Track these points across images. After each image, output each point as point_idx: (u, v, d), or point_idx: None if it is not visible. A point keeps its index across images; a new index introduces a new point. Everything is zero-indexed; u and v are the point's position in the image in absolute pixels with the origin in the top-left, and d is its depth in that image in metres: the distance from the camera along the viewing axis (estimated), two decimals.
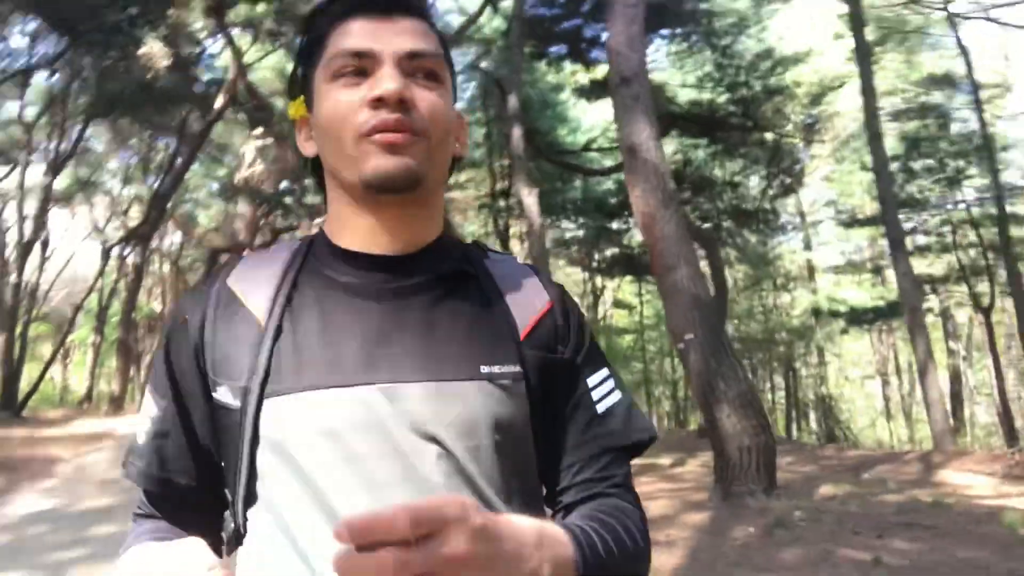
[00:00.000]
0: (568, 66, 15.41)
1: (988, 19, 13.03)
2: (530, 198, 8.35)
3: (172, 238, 28.13)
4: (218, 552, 0.62)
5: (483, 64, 15.64)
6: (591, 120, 18.60)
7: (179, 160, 21.06)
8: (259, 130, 19.91)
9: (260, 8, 16.35)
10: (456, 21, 16.25)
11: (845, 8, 11.58)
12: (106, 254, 23.07)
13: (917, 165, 14.07)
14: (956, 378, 19.92)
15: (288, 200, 20.83)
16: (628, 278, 23.32)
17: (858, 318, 15.11)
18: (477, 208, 22.77)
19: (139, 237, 21.07)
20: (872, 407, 24.55)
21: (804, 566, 4.40)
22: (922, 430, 22.90)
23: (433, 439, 0.74)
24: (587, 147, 17.55)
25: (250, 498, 0.77)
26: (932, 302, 18.18)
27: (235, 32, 16.96)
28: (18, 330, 19.44)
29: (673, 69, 14.62)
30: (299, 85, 0.87)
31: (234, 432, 0.76)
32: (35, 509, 6.72)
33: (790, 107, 14.09)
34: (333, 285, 0.81)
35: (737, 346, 21.49)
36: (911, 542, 4.94)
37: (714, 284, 14.61)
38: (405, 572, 0.48)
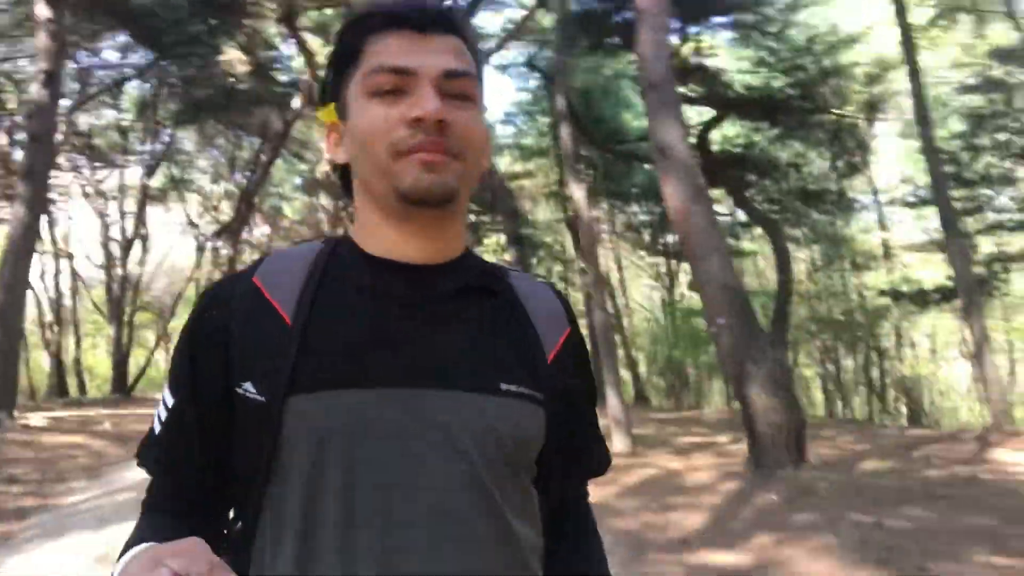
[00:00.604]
0: (626, 55, 15.66)
1: None
2: (579, 192, 8.85)
3: (260, 230, 29.71)
4: (216, 551, 0.63)
5: (539, 61, 16.08)
6: None
7: (263, 158, 22.31)
8: None
9: (328, 11, 17.23)
10: (515, 14, 16.68)
11: None
12: (201, 247, 24.48)
13: (985, 141, 13.77)
14: None
15: None
16: None
17: (925, 298, 14.94)
18: (545, 196, 23.26)
19: (230, 231, 22.45)
20: (957, 388, 23.92)
21: (811, 528, 4.85)
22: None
23: (453, 446, 0.75)
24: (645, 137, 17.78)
25: (267, 494, 0.77)
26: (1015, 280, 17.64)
27: (306, 36, 17.87)
28: (124, 319, 21.19)
29: (730, 56, 14.71)
30: (331, 92, 0.88)
31: (256, 427, 0.76)
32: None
33: (849, 87, 14.03)
34: (359, 287, 0.83)
35: (812, 327, 21.42)
36: (924, 510, 5.29)
37: (777, 266, 14.77)
38: None
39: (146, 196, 21.82)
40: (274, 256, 0.88)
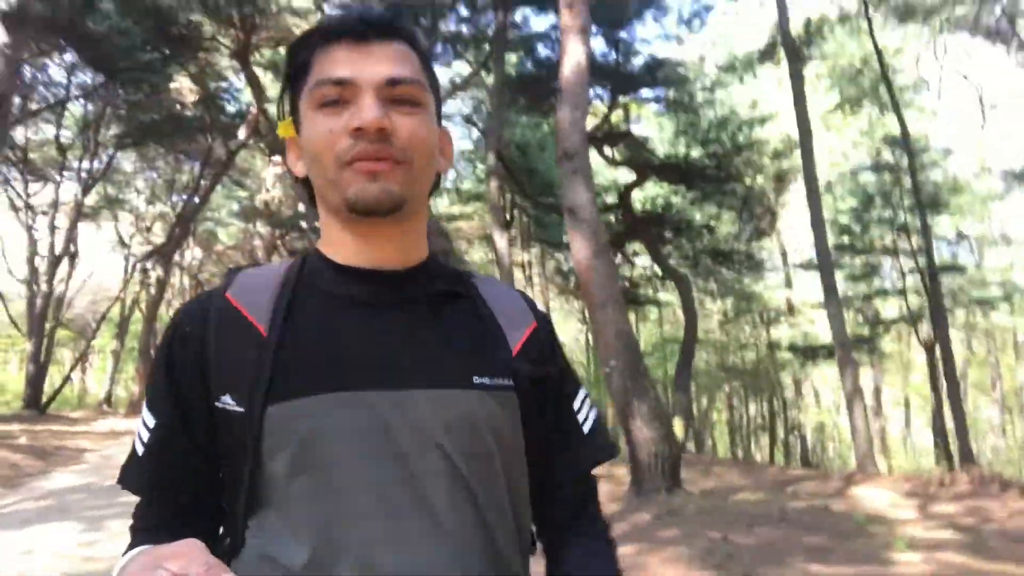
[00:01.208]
0: None
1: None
2: (501, 241, 9.75)
3: (193, 253, 29.46)
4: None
5: (479, 117, 17.17)
6: None
7: (204, 183, 22.43)
8: (278, 158, 21.41)
9: (282, 51, 17.82)
10: (464, 69, 17.68)
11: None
12: (132, 267, 24.13)
13: (874, 215, 15.48)
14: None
15: (303, 224, 21.74)
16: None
17: (815, 353, 16.41)
18: (480, 239, 24.18)
19: (162, 253, 22.38)
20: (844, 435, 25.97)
21: (670, 541, 5.69)
22: (894, 457, 23.97)
23: (435, 443, 0.77)
24: None
25: (253, 503, 0.78)
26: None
27: (258, 71, 18.33)
28: (44, 336, 20.79)
29: (654, 124, 16.05)
30: (287, 108, 0.89)
31: (237, 439, 0.77)
32: (71, 484, 8.10)
33: (759, 160, 15.56)
34: (330, 296, 0.84)
35: (723, 375, 22.87)
36: (771, 530, 6.20)
37: (685, 318, 15.94)
38: None
39: (79, 213, 21.59)
40: (247, 272, 0.89)
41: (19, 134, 19.61)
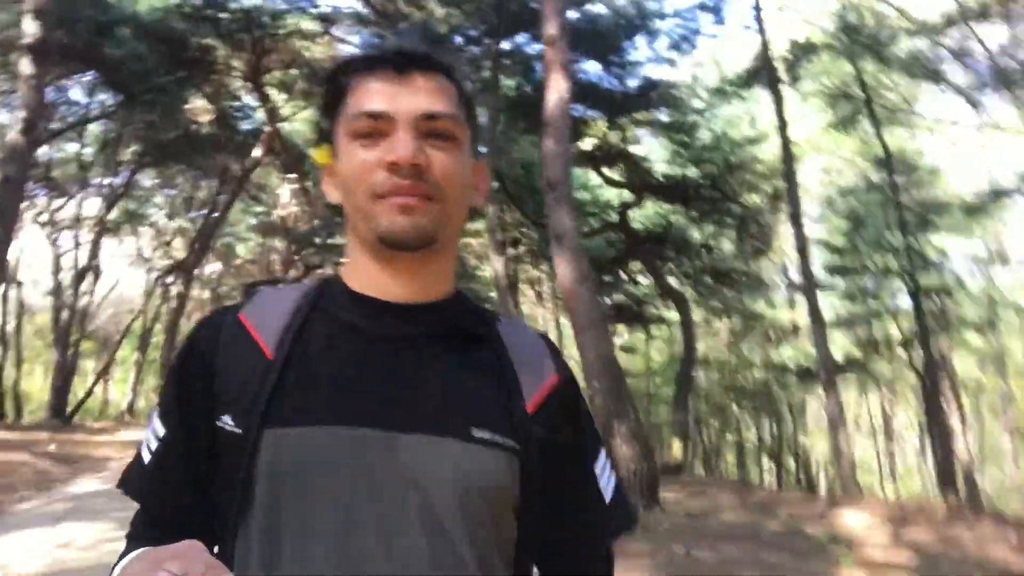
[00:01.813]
0: None
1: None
2: (498, 264, 10.25)
3: (212, 267, 30.24)
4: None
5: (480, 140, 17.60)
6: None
7: (222, 199, 23.07)
8: (292, 175, 22.04)
9: (292, 72, 18.42)
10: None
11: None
12: (154, 283, 24.77)
13: (863, 237, 15.78)
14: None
15: (318, 240, 21.74)
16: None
17: (809, 374, 16.68)
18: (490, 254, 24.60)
19: (183, 268, 22.94)
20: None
21: (636, 555, 6.12)
22: (903, 483, 24.05)
23: (417, 491, 0.76)
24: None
25: (240, 524, 0.78)
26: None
27: (270, 91, 18.91)
28: (69, 347, 21.54)
29: (650, 145, 16.50)
30: (324, 134, 0.91)
31: (233, 460, 0.78)
32: (97, 488, 8.63)
33: (753, 180, 15.96)
34: (343, 326, 0.84)
35: (730, 395, 23.06)
36: (735, 547, 6.61)
37: (683, 337, 16.33)
38: None
39: (103, 229, 22.32)
40: (264, 292, 0.90)
41: (42, 151, 20.32)
